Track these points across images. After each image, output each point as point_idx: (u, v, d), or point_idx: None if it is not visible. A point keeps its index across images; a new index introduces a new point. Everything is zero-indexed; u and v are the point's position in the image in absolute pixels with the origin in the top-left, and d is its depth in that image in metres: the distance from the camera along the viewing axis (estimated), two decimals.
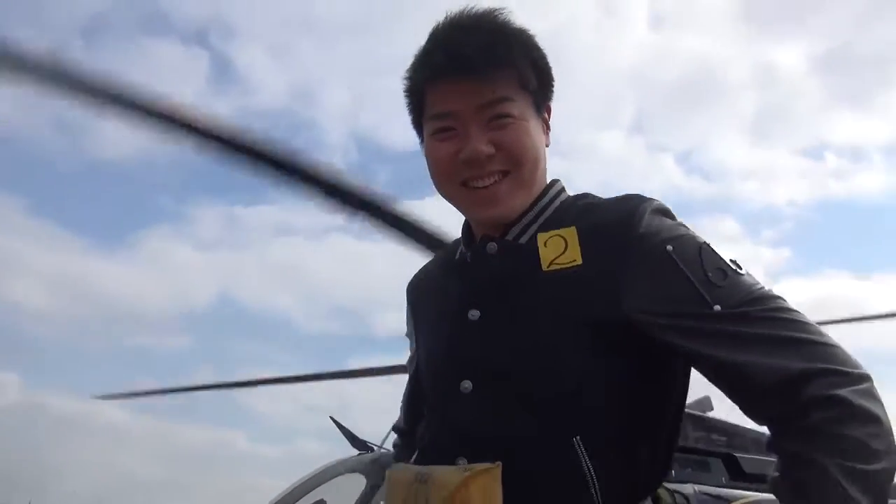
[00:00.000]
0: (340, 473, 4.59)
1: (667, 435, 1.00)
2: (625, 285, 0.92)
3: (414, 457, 1.07)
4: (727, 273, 0.91)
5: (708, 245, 0.94)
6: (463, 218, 1.13)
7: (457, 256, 1.13)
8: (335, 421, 4.58)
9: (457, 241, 1.16)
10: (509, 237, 1.03)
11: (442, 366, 1.05)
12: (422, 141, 1.08)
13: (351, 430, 4.31)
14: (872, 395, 0.83)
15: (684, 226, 0.99)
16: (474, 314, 1.01)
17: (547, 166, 1.09)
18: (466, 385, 0.98)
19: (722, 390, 0.92)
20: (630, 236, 0.94)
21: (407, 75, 1.06)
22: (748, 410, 0.91)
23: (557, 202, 1.06)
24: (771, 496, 0.87)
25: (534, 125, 1.02)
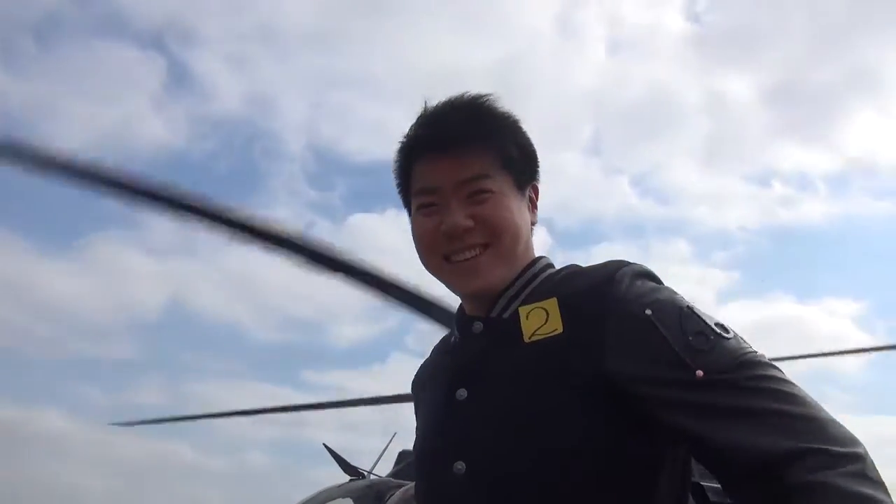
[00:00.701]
0: (334, 498, 4.90)
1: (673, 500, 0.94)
2: (606, 350, 0.89)
3: None
4: (710, 337, 0.86)
5: (690, 308, 0.90)
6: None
7: (452, 340, 1.13)
8: (328, 448, 4.79)
9: (450, 332, 1.16)
10: (493, 314, 1.02)
11: (434, 447, 1.03)
12: (410, 216, 1.10)
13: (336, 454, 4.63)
14: (866, 476, 0.75)
15: (669, 289, 0.96)
16: (462, 394, 0.99)
17: (533, 243, 1.11)
18: (459, 466, 0.95)
19: (702, 465, 0.88)
20: (608, 300, 0.91)
21: (395, 154, 1.09)
22: (730, 492, 0.86)
23: (542, 276, 1.05)
24: None
25: (514, 201, 1.03)
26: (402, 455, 5.45)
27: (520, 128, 1.08)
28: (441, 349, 1.18)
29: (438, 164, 1.02)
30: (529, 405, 0.91)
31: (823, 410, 0.81)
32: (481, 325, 1.03)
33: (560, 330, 0.93)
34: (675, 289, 0.96)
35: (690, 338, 0.86)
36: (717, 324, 0.88)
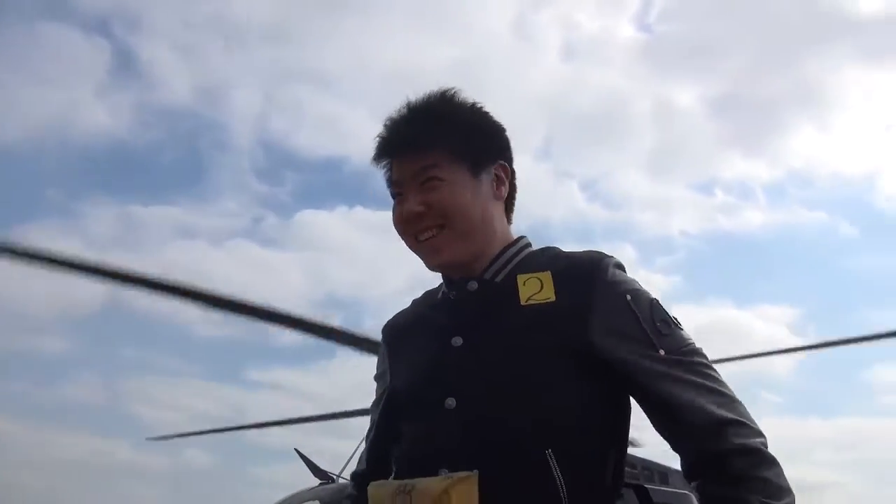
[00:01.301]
0: (304, 502, 5.12)
1: (621, 453, 1.12)
2: (591, 321, 1.05)
3: (392, 475, 1.17)
4: (670, 325, 1.08)
5: (657, 301, 1.11)
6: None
7: (439, 296, 1.24)
8: (299, 453, 4.95)
9: (435, 289, 1.28)
10: (486, 277, 1.16)
11: (426, 386, 1.13)
12: None
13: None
14: (767, 444, 1.02)
15: (637, 282, 1.14)
16: (457, 341, 1.12)
17: (509, 218, 1.24)
18: (450, 402, 1.08)
19: (654, 422, 1.08)
20: (597, 281, 1.08)
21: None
22: (676, 443, 1.07)
23: (525, 252, 1.20)
24: None
25: (468, 186, 1.16)
26: None
27: (479, 116, 1.22)
28: (424, 303, 1.28)
29: (400, 161, 1.18)
30: (520, 357, 1.06)
31: (736, 395, 1.06)
32: (476, 284, 1.16)
33: (553, 299, 1.09)
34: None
35: (657, 323, 1.07)
36: (673, 317, 1.10)
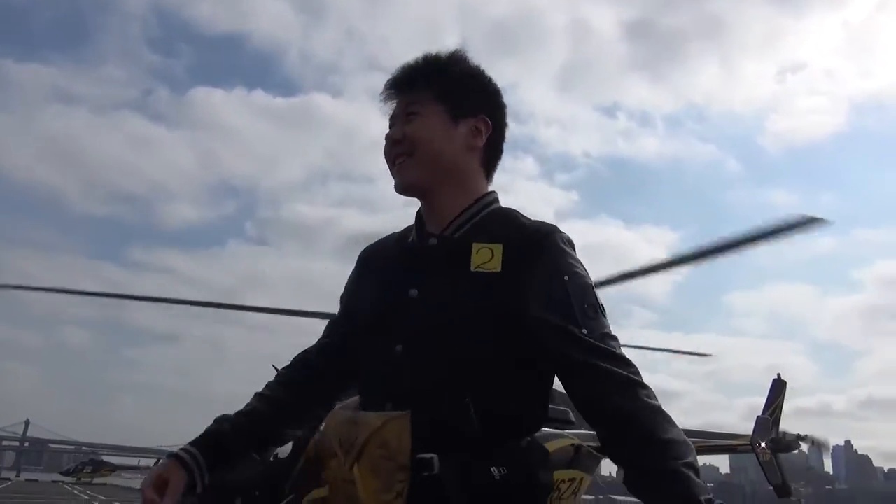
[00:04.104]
0: None
1: (540, 409, 1.26)
2: (528, 294, 1.18)
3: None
4: (596, 311, 1.20)
5: (592, 287, 1.22)
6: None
7: (409, 240, 1.36)
8: (278, 370, 5.88)
9: (410, 227, 1.39)
10: (447, 234, 1.29)
11: (381, 331, 1.27)
12: None
13: None
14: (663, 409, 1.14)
15: (581, 264, 1.24)
16: (413, 293, 1.25)
17: (480, 171, 1.35)
18: (399, 348, 1.23)
19: (569, 389, 1.19)
20: (542, 258, 1.20)
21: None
22: (586, 409, 1.17)
23: (488, 210, 1.32)
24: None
25: (440, 125, 1.31)
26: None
27: (470, 73, 1.38)
28: (397, 240, 1.40)
29: (396, 97, 1.37)
30: (462, 316, 1.19)
31: (641, 376, 1.17)
32: (436, 240, 1.30)
33: (499, 270, 1.20)
34: (571, 244, 1.26)
35: (585, 306, 1.19)
36: (600, 304, 1.22)
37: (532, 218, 1.30)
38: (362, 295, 1.38)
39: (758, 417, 11.82)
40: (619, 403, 1.12)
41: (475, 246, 1.24)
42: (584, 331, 1.17)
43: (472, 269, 1.22)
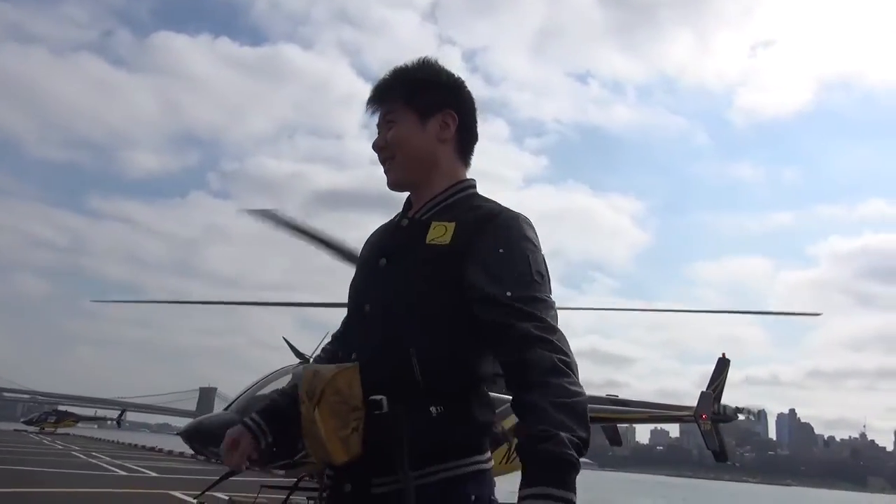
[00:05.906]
0: (283, 376, 6.65)
1: (476, 361, 1.36)
2: (467, 261, 1.32)
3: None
4: (527, 278, 1.29)
5: (532, 257, 1.33)
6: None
7: (394, 222, 1.53)
8: (287, 341, 6.43)
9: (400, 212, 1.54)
10: (417, 217, 1.45)
11: (357, 295, 1.47)
12: None
13: None
14: (567, 354, 1.24)
15: (529, 239, 1.36)
16: (383, 262, 1.43)
17: (455, 159, 1.47)
18: (367, 308, 1.41)
19: (493, 350, 1.33)
20: (485, 232, 1.33)
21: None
22: (504, 367, 1.29)
23: (458, 196, 1.46)
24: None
25: (412, 128, 1.46)
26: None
27: (431, 75, 1.50)
28: (390, 223, 1.56)
29: (377, 109, 1.53)
30: (414, 282, 1.35)
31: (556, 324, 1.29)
32: (407, 221, 1.47)
33: (447, 243, 1.35)
34: (526, 224, 1.38)
35: (517, 273, 1.30)
36: (537, 271, 1.32)
37: (501, 204, 1.42)
38: (355, 274, 1.57)
39: (702, 392, 12.93)
40: (525, 357, 1.22)
41: (434, 224, 1.40)
42: (509, 293, 1.28)
43: (427, 242, 1.37)
